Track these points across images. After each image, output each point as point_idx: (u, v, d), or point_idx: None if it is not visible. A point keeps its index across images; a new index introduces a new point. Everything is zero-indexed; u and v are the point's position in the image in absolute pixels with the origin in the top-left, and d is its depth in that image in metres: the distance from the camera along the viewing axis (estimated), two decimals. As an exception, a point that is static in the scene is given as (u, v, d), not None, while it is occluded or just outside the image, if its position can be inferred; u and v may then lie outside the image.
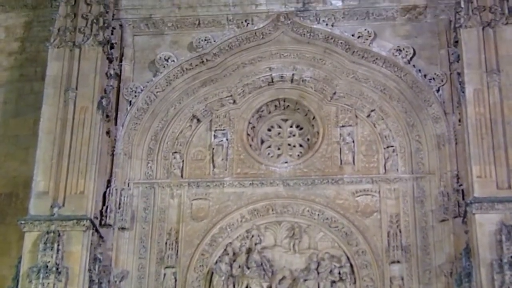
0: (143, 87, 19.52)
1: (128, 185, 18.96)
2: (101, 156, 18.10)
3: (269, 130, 20.11)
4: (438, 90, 18.68)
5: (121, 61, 19.78)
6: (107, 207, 18.32)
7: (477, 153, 16.80)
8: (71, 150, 17.77)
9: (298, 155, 19.65)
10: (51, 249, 16.69)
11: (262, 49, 19.85)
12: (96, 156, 17.88)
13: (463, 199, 17.34)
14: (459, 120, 17.90)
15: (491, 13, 17.88)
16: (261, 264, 18.35)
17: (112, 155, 18.95)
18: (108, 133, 18.79)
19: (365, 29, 19.40)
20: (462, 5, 18.06)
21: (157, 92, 19.59)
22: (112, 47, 19.27)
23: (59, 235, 16.84)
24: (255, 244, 18.66)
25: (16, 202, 19.08)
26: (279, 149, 19.88)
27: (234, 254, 18.59)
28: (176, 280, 18.44)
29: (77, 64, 18.60)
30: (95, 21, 19.02)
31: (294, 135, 20.03)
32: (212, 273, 18.47)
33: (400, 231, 18.21)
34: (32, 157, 18.07)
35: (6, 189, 19.37)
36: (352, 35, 19.37)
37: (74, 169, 17.62)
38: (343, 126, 19.41)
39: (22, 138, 19.62)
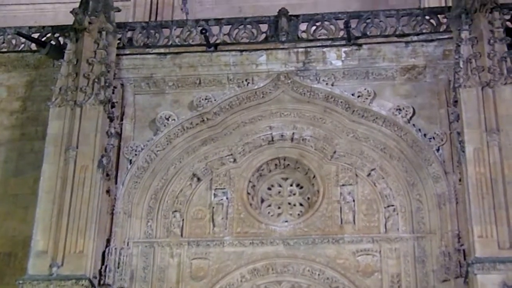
0: (144, 145, 19.54)
1: (128, 244, 18.82)
2: (100, 215, 18.04)
3: (269, 189, 20.02)
4: (438, 149, 18.67)
5: (122, 119, 19.85)
6: (106, 266, 18.16)
7: (478, 213, 16.77)
8: (71, 209, 17.74)
9: (299, 214, 19.55)
10: (49, 309, 16.59)
11: (262, 108, 19.94)
12: (96, 215, 17.83)
13: (465, 259, 17.19)
14: (460, 180, 17.84)
15: (490, 73, 18.02)
16: (261, 325, 18.25)
17: (112, 214, 18.86)
18: (108, 192, 18.72)
19: (365, 89, 19.50)
20: (461, 65, 18.22)
21: (157, 150, 19.60)
22: (113, 106, 19.33)
23: (57, 295, 16.76)
24: (255, 304, 18.52)
25: (15, 261, 18.83)
26: (279, 208, 19.76)
27: (234, 314, 18.45)
28: None
29: (78, 123, 18.70)
30: (96, 80, 19.15)
31: (294, 194, 19.92)
32: (212, 334, 18.32)
33: (401, 291, 18.09)
34: (31, 216, 18.01)
35: (5, 249, 19.13)
36: (352, 95, 19.46)
37: (73, 228, 17.56)
38: (343, 185, 19.35)
39: (21, 197, 19.48)
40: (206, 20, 21.11)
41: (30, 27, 21.78)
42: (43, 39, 20.97)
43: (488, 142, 17.39)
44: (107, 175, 18.63)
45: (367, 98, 19.38)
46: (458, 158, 17.86)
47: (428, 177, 18.65)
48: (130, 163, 19.42)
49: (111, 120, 19.21)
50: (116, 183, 19.15)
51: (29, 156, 19.96)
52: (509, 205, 16.74)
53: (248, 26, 20.70)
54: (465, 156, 17.38)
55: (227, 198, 19.55)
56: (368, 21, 20.22)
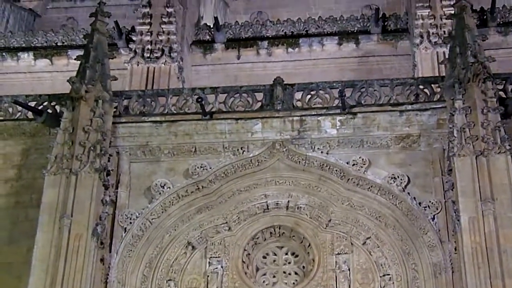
0: (139, 214, 19.44)
1: (121, 314, 18.68)
2: (94, 285, 17.81)
3: (264, 257, 19.84)
4: (433, 218, 18.60)
5: (117, 187, 19.78)
6: (99, 337, 17.99)
7: (473, 283, 16.64)
8: (64, 278, 17.48)
9: (294, 283, 19.37)
10: None
11: (257, 176, 19.89)
12: (90, 284, 17.60)
13: (461, 329, 17.08)
14: (455, 249, 17.76)
15: (484, 143, 18.06)
16: None
17: (106, 283, 18.57)
18: (102, 260, 18.52)
19: (360, 157, 19.51)
20: (455, 135, 18.28)
21: (152, 219, 19.52)
22: (108, 174, 19.27)
23: None
24: None
25: (6, 332, 18.71)
26: (274, 276, 19.56)
27: None
28: None
29: (73, 191, 18.56)
30: (92, 148, 19.14)
31: (289, 263, 19.73)
32: None
33: None
34: (25, 285, 17.71)
35: (-2, 319, 18.99)
36: (347, 163, 19.46)
37: (66, 298, 17.42)
38: (338, 253, 19.19)
39: (15, 266, 19.15)
40: (202, 89, 21.26)
41: (27, 96, 21.81)
42: (39, 108, 20.99)
43: (483, 211, 17.33)
44: (101, 243, 18.48)
45: (362, 167, 19.40)
46: (453, 227, 17.80)
47: (424, 246, 18.55)
48: (125, 231, 19.28)
49: (106, 188, 19.13)
50: (110, 251, 18.96)
51: (23, 224, 19.75)
52: (505, 275, 16.59)
53: (244, 94, 20.82)
54: (460, 225, 17.32)
55: (222, 267, 19.37)
56: (362, 90, 20.35)
